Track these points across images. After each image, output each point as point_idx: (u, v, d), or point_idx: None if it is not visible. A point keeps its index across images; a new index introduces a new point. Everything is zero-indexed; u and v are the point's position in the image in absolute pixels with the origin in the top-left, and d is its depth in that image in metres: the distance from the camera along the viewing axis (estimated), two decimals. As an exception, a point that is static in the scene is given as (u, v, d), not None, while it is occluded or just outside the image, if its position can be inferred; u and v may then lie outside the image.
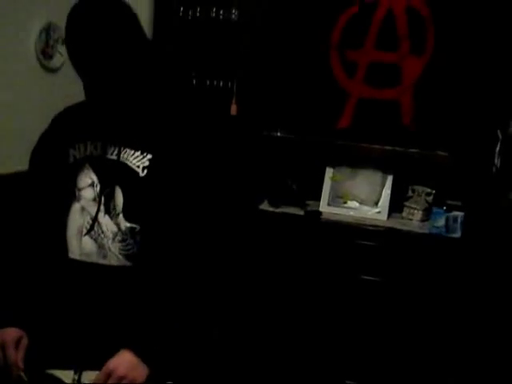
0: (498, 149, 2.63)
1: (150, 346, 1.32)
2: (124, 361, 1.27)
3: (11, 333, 1.36)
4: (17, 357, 1.33)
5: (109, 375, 1.25)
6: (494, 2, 2.67)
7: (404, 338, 2.69)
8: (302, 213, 2.87)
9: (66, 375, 1.31)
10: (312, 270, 2.79)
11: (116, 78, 1.36)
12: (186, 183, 1.43)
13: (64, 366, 1.34)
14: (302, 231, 2.83)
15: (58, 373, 1.32)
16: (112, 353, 1.32)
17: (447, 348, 2.63)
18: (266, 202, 2.95)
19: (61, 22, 2.84)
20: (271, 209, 2.90)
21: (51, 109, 2.37)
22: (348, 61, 2.89)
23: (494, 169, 2.63)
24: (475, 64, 2.72)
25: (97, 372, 1.29)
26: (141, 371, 1.27)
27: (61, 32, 2.88)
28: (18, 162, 2.54)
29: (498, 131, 2.65)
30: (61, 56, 2.93)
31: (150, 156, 1.42)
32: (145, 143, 1.43)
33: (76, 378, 1.29)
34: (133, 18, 1.40)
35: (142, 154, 1.43)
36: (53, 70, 2.91)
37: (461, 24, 2.72)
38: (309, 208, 2.90)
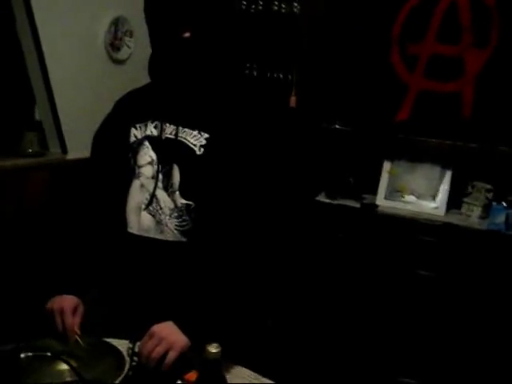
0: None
1: (192, 319, 1.35)
2: (167, 326, 1.32)
3: (69, 300, 1.44)
4: (74, 323, 1.40)
5: (151, 336, 1.30)
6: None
7: (459, 335, 2.65)
8: (358, 205, 2.87)
9: (121, 344, 1.37)
10: (367, 262, 2.79)
11: (184, 58, 1.43)
12: (240, 163, 1.47)
13: (119, 336, 1.41)
14: (358, 224, 2.84)
15: (114, 342, 1.39)
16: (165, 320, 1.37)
17: (505, 346, 2.57)
18: (323, 194, 2.96)
19: (129, 15, 3.00)
20: (328, 200, 2.92)
21: (117, 97, 2.49)
22: (408, 54, 2.88)
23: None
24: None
25: None
26: (181, 339, 1.30)
27: (129, 25, 3.01)
28: (86, 148, 2.74)
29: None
30: (128, 48, 3.06)
31: (206, 135, 1.47)
32: (202, 123, 1.48)
33: (131, 346, 1.35)
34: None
35: (199, 133, 1.48)
36: (120, 62, 3.04)
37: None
38: (365, 201, 2.90)
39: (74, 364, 1.26)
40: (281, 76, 3.04)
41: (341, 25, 2.97)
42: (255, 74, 3.07)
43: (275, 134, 1.64)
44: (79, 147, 2.77)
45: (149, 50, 2.89)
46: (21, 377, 1.10)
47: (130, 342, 1.36)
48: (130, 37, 3.05)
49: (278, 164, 1.61)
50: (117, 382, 1.24)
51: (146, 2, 1.46)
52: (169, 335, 1.29)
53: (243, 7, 3.05)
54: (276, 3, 3.02)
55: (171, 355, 1.27)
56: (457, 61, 2.79)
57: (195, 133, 1.48)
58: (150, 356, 1.26)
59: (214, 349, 0.99)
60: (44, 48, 2.60)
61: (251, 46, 3.08)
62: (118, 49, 3.01)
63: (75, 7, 2.72)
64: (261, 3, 3.05)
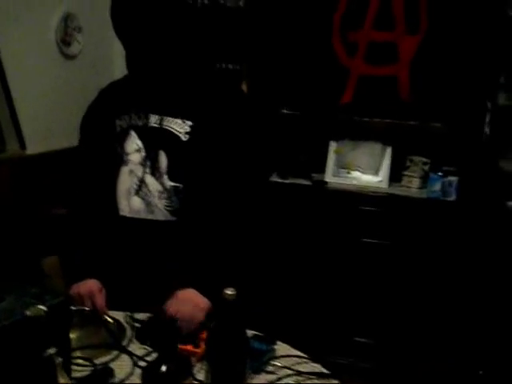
0: (487, 119, 2.82)
1: (207, 283, 1.49)
2: (188, 291, 1.47)
3: (94, 284, 1.54)
4: (103, 304, 1.51)
5: (177, 298, 1.44)
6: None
7: (405, 297, 2.89)
8: (309, 183, 3.07)
9: (117, 315, 1.51)
10: (319, 234, 2.99)
11: (160, 49, 1.50)
12: (224, 146, 1.58)
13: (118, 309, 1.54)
14: (310, 200, 3.03)
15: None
16: (161, 295, 1.50)
17: (444, 306, 2.83)
18: (275, 175, 3.14)
19: (78, 11, 3.06)
20: (280, 180, 3.10)
21: (71, 92, 2.57)
22: (349, 41, 3.08)
23: (484, 137, 2.82)
24: (465, 40, 2.91)
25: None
26: (203, 301, 1.45)
27: (78, 21, 3.07)
28: (41, 142, 2.79)
29: (488, 102, 2.83)
30: (78, 44, 3.11)
31: (190, 123, 1.57)
32: (185, 111, 1.57)
33: (129, 314, 1.49)
34: None
35: (182, 121, 1.57)
36: (71, 57, 3.09)
37: (451, 3, 2.91)
38: (315, 179, 3.09)
39: (78, 334, 1.38)
40: (230, 67, 3.17)
41: (285, 16, 3.13)
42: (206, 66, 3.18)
43: (248, 116, 1.72)
44: (37, 142, 2.84)
45: (97, 46, 2.98)
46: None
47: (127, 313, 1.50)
48: (79, 32, 3.10)
49: (253, 143, 1.70)
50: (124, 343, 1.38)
51: (112, 8, 1.51)
52: (193, 297, 1.44)
53: (190, 1, 3.16)
54: (222, -3, 3.15)
55: (199, 315, 1.42)
56: (392, 46, 3.02)
57: (179, 121, 1.56)
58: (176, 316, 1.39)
59: (230, 291, 1.11)
60: (-1, 45, 2.63)
61: (201, 39, 3.18)
62: (68, 44, 3.05)
63: (27, 5, 2.76)
64: (207, -3, 3.17)
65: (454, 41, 2.93)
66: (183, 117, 1.58)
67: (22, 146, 2.85)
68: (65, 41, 3.03)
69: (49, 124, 2.94)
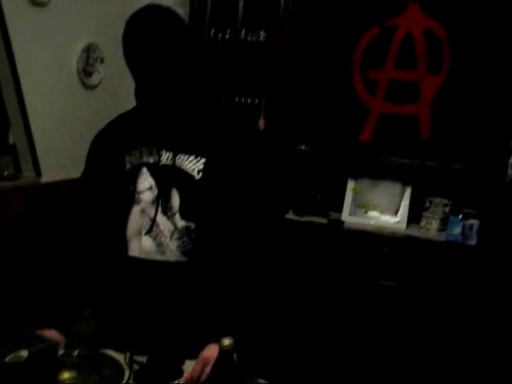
0: (511, 160, 2.75)
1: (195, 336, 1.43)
2: (211, 348, 1.37)
3: (55, 335, 1.45)
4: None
5: (205, 362, 1.35)
6: (506, 22, 2.82)
7: (421, 343, 2.80)
8: (325, 221, 3.02)
9: (118, 356, 1.45)
10: (335, 275, 2.92)
11: (170, 83, 1.46)
12: (237, 185, 1.55)
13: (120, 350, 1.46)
14: (326, 239, 2.97)
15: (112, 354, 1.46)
16: (168, 338, 1.47)
17: (462, 354, 2.73)
18: (291, 212, 3.09)
19: (100, 42, 3.09)
20: (296, 218, 3.05)
21: (90, 122, 2.58)
22: (369, 79, 3.06)
23: (507, 179, 2.75)
24: (488, 81, 2.87)
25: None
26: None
27: (100, 52, 3.09)
28: (59, 172, 2.79)
29: (510, 143, 2.77)
30: (99, 74, 3.13)
31: (204, 160, 1.52)
32: (198, 148, 1.53)
33: (129, 356, 1.42)
34: (186, 27, 1.52)
35: (196, 158, 1.53)
36: (92, 87, 3.10)
37: (475, 43, 2.88)
38: (332, 217, 3.04)
39: (75, 374, 1.33)
40: (249, 101, 3.16)
41: (306, 51, 3.12)
42: (223, 99, 3.17)
43: (259, 154, 1.69)
44: (53, 170, 2.84)
45: (118, 76, 2.99)
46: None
47: (128, 354, 1.43)
48: (101, 63, 3.12)
49: (264, 182, 1.67)
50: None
51: (124, 40, 1.48)
52: None
53: (211, 36, 3.17)
54: (243, 32, 3.15)
55: None
56: (414, 85, 2.99)
57: (192, 158, 1.53)
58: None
59: (227, 341, 1.09)
60: (19, 73, 2.63)
61: (220, 73, 3.19)
62: (89, 75, 3.07)
63: (50, 35, 2.78)
64: (228, 31, 3.17)
65: (477, 81, 2.89)
66: (197, 153, 1.54)
67: (38, 173, 2.86)
68: (86, 71, 3.05)
69: (67, 153, 2.94)
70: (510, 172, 2.74)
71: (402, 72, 2.99)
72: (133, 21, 1.47)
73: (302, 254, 2.94)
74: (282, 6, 3.02)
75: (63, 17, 2.83)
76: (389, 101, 3.04)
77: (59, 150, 2.91)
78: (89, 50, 3.02)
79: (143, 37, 1.43)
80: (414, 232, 2.95)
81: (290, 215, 3.08)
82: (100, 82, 3.14)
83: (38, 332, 1.38)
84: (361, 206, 3.10)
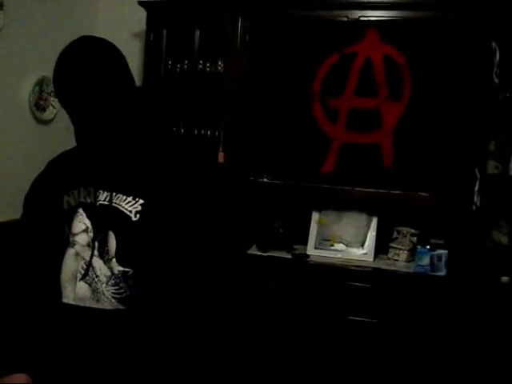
0: (476, 188, 2.70)
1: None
2: None
3: (22, 378, 1.40)
4: None
5: None
6: (464, 48, 2.77)
7: (390, 377, 2.72)
8: (289, 256, 2.92)
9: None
10: (301, 311, 2.83)
11: (106, 123, 1.38)
12: (177, 228, 1.46)
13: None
14: (291, 274, 2.88)
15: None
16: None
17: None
18: (254, 247, 3.00)
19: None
20: (259, 253, 2.96)
21: (44, 159, 2.45)
22: (330, 108, 2.98)
23: (474, 207, 2.70)
24: (452, 107, 2.81)
25: None
26: None
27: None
28: (10, 210, 2.66)
29: (476, 170, 2.72)
30: (53, 108, 3.03)
31: (141, 201, 1.45)
32: (136, 189, 1.46)
33: None
34: (123, 62, 1.43)
35: (133, 199, 1.45)
36: (45, 122, 3.00)
37: (435, 70, 2.82)
38: (296, 251, 2.95)
39: None
40: (208, 133, 3.08)
41: (264, 81, 3.05)
42: (182, 131, 3.10)
43: (207, 191, 1.61)
44: (6, 209, 2.70)
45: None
46: None
47: None
48: (56, 97, 3.02)
49: (212, 222, 1.57)
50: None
51: (54, 79, 1.38)
52: None
53: (169, 67, 3.10)
54: (201, 62, 3.08)
55: None
56: (375, 113, 2.92)
57: (130, 199, 1.46)
58: None
59: None
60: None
61: (177, 104, 3.11)
62: (43, 109, 2.97)
63: (0, 67, 2.69)
64: (186, 62, 3.10)
65: (440, 107, 2.84)
66: (134, 195, 1.46)
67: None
68: (39, 105, 2.95)
69: (20, 190, 2.81)
70: (476, 200, 2.68)
71: (363, 100, 2.93)
72: (62, 57, 1.37)
73: (266, 290, 2.84)
74: (239, 36, 2.96)
75: (15, 48, 2.75)
76: (350, 130, 2.97)
77: (13, 188, 2.78)
78: (42, 83, 2.93)
79: (73, 75, 1.33)
80: (382, 264, 2.89)
81: (254, 250, 2.99)
82: (54, 116, 3.05)
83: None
84: (326, 238, 3.03)
